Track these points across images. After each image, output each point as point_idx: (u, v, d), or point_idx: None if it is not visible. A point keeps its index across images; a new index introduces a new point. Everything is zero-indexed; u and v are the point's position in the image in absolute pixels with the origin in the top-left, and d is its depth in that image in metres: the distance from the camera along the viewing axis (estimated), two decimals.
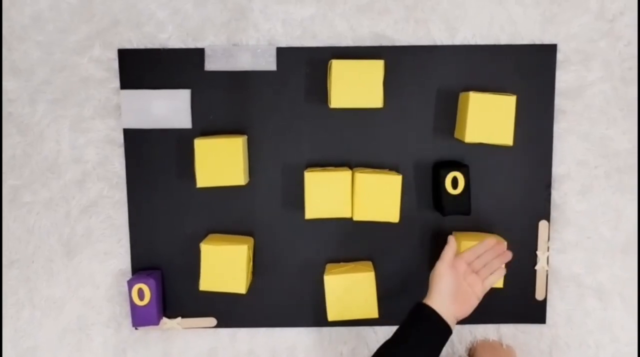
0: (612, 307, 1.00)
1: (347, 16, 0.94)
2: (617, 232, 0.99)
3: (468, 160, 0.95)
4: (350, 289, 0.92)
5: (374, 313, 0.92)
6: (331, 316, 0.93)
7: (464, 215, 0.92)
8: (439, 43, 0.94)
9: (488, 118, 0.88)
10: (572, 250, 0.99)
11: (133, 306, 0.94)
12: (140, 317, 0.95)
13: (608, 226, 0.99)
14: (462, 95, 0.93)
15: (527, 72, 0.94)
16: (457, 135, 0.94)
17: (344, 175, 0.90)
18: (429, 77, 0.94)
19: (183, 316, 0.99)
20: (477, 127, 0.88)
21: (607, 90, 0.96)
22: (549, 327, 1.00)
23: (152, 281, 0.93)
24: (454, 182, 0.91)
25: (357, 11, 0.94)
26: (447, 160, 0.95)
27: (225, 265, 0.91)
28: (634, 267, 0.99)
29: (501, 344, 0.98)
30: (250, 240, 0.96)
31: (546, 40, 0.95)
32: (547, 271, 0.98)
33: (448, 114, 0.95)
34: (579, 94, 0.96)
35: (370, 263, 0.96)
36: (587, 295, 1.00)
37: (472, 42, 0.94)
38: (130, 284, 0.94)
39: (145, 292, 0.94)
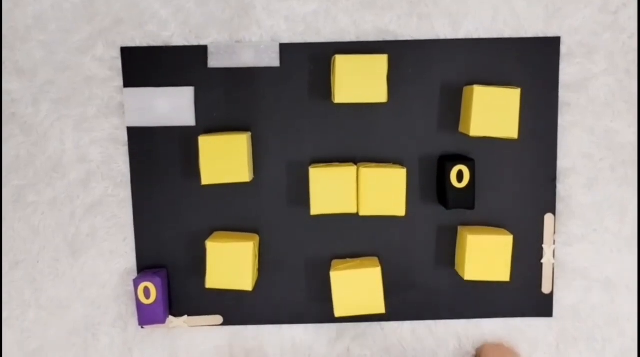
0: (620, 301, 1.00)
1: (351, 12, 0.94)
2: (623, 225, 0.98)
3: (473, 154, 0.95)
4: (357, 285, 0.91)
5: (380, 309, 0.91)
6: (338, 312, 0.92)
7: (467, 209, 0.92)
8: (442, 37, 0.94)
9: (492, 111, 0.87)
10: (578, 243, 0.98)
11: (139, 304, 0.94)
12: (146, 316, 0.95)
13: (614, 219, 0.98)
14: (466, 88, 0.92)
15: (531, 65, 0.94)
16: (461, 129, 0.94)
17: (349, 170, 0.89)
18: (432, 71, 0.94)
19: (189, 314, 0.99)
20: (482, 120, 0.88)
21: (611, 83, 0.96)
22: (556, 320, 1.00)
23: (158, 280, 0.93)
24: (459, 176, 0.91)
25: (360, 6, 0.94)
26: (453, 154, 0.95)
27: (231, 262, 0.91)
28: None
29: (509, 349, 0.97)
30: (256, 237, 0.96)
31: (550, 33, 0.95)
32: (553, 264, 0.98)
33: (452, 108, 0.94)
34: (583, 86, 0.96)
35: (376, 259, 0.96)
36: (594, 288, 0.99)
37: (476, 36, 0.94)
38: (136, 283, 0.93)
39: (151, 291, 0.93)
